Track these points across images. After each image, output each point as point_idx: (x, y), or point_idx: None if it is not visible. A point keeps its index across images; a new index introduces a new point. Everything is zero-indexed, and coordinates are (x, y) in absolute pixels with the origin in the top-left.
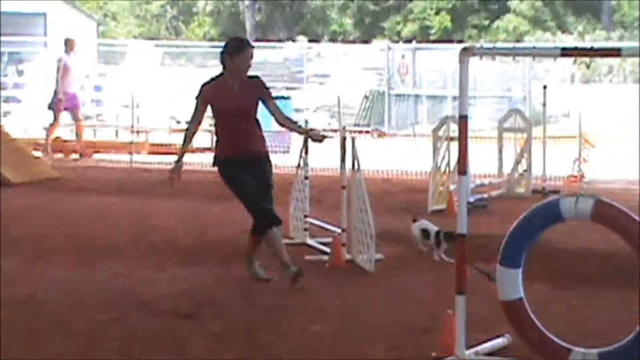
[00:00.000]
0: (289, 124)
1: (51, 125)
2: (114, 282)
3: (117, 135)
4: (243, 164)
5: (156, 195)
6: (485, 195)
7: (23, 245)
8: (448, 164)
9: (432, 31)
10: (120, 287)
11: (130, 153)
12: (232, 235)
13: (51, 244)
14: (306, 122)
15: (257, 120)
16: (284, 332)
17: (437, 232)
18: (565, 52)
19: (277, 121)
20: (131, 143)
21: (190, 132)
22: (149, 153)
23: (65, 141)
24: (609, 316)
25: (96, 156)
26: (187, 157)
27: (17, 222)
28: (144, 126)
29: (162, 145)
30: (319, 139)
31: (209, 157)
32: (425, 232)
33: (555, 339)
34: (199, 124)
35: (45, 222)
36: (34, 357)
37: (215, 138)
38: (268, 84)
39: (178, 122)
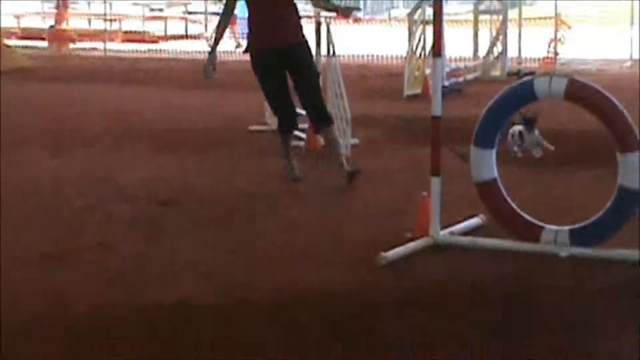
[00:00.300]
0: (323, 3)
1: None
2: (90, 170)
3: (90, 24)
4: (279, 58)
5: (131, 83)
6: (461, 79)
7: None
8: (423, 48)
9: None
10: (97, 174)
11: (104, 41)
12: (208, 123)
13: (28, 133)
14: None
15: (294, 5)
16: (261, 217)
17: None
18: None
19: (313, 3)
20: (105, 31)
21: (223, 23)
22: (123, 41)
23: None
24: (581, 195)
25: (70, 45)
26: (163, 45)
27: None
28: (117, 14)
29: (136, 32)
30: (348, 13)
31: (184, 45)
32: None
33: (528, 218)
34: (232, 13)
35: (21, 112)
36: (14, 243)
37: (247, 27)
38: None
39: (152, 10)
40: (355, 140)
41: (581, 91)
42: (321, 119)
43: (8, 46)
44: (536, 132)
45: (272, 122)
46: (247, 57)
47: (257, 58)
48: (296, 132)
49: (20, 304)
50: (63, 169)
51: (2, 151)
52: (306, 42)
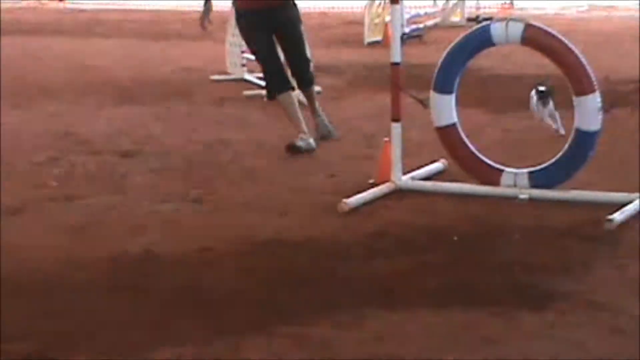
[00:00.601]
0: None
1: None
2: (51, 123)
3: None
4: (267, 18)
5: (92, 36)
6: (421, 25)
7: None
8: None
9: None
10: (58, 127)
11: None
12: (169, 74)
13: None
14: None
15: None
16: (224, 166)
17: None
18: None
19: None
20: None
21: None
22: None
23: None
24: (540, 138)
25: None
26: None
27: None
28: None
29: None
30: None
31: None
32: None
33: (488, 161)
34: None
35: None
36: None
37: None
38: None
39: None
40: (317, 88)
41: (537, 36)
42: (305, 81)
43: None
44: (551, 104)
45: (233, 71)
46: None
47: (243, 19)
48: (257, 81)
49: None
50: (24, 123)
51: None
52: (293, 3)
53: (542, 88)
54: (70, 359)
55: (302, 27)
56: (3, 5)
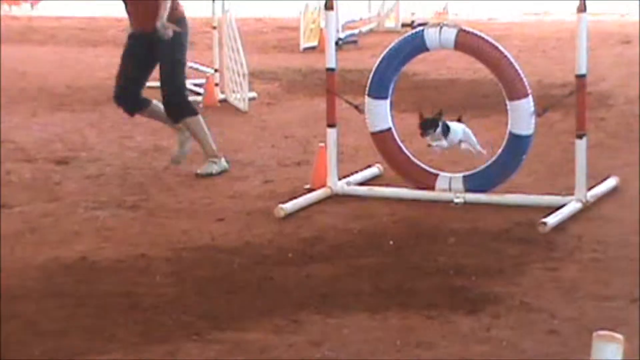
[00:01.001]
0: None
1: None
2: None
3: None
4: (141, 41)
5: (26, 43)
6: (356, 31)
7: None
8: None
9: None
10: None
11: None
12: (103, 81)
13: None
14: None
15: None
16: (157, 172)
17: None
18: None
19: None
20: None
21: None
22: None
23: None
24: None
25: None
26: (55, 4)
27: None
28: None
29: None
30: None
31: (78, 4)
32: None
33: (423, 165)
34: None
35: None
36: None
37: None
38: None
39: None
40: (253, 94)
41: (470, 41)
42: (171, 112)
43: None
44: (452, 132)
45: None
46: None
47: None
48: (192, 87)
49: None
50: None
51: None
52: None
53: (428, 117)
54: None
55: (183, 53)
56: None
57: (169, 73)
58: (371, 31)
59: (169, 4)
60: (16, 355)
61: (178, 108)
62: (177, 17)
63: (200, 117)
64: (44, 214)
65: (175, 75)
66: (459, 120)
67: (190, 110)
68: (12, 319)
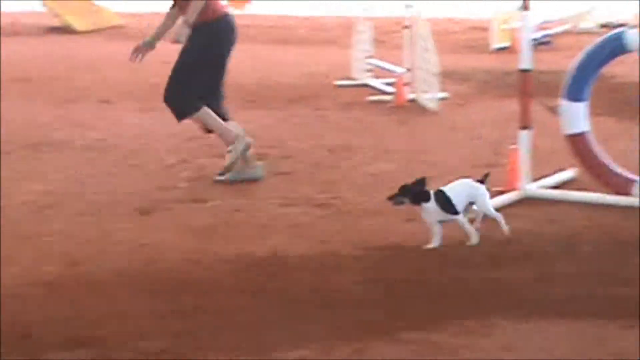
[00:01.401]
0: None
1: None
2: (181, 125)
3: None
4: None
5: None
6: (551, 32)
7: (92, 92)
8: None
9: None
10: (188, 131)
11: None
12: (292, 80)
13: (119, 90)
14: None
15: None
16: (347, 171)
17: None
18: None
19: None
20: None
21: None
22: None
23: None
24: None
25: None
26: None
27: (85, 70)
28: None
29: None
30: None
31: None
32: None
33: (620, 171)
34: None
35: (111, 70)
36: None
37: None
38: None
39: None
40: (444, 94)
41: None
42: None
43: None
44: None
45: (358, 76)
46: None
47: None
48: (382, 87)
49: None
50: (152, 124)
51: (96, 107)
52: (207, 26)
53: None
54: (199, 359)
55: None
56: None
57: (175, 72)
58: (567, 32)
59: (199, 5)
60: (209, 347)
61: (177, 108)
62: (213, 18)
63: (205, 108)
64: (235, 209)
65: (179, 75)
66: (481, 181)
67: (191, 108)
68: (204, 312)
